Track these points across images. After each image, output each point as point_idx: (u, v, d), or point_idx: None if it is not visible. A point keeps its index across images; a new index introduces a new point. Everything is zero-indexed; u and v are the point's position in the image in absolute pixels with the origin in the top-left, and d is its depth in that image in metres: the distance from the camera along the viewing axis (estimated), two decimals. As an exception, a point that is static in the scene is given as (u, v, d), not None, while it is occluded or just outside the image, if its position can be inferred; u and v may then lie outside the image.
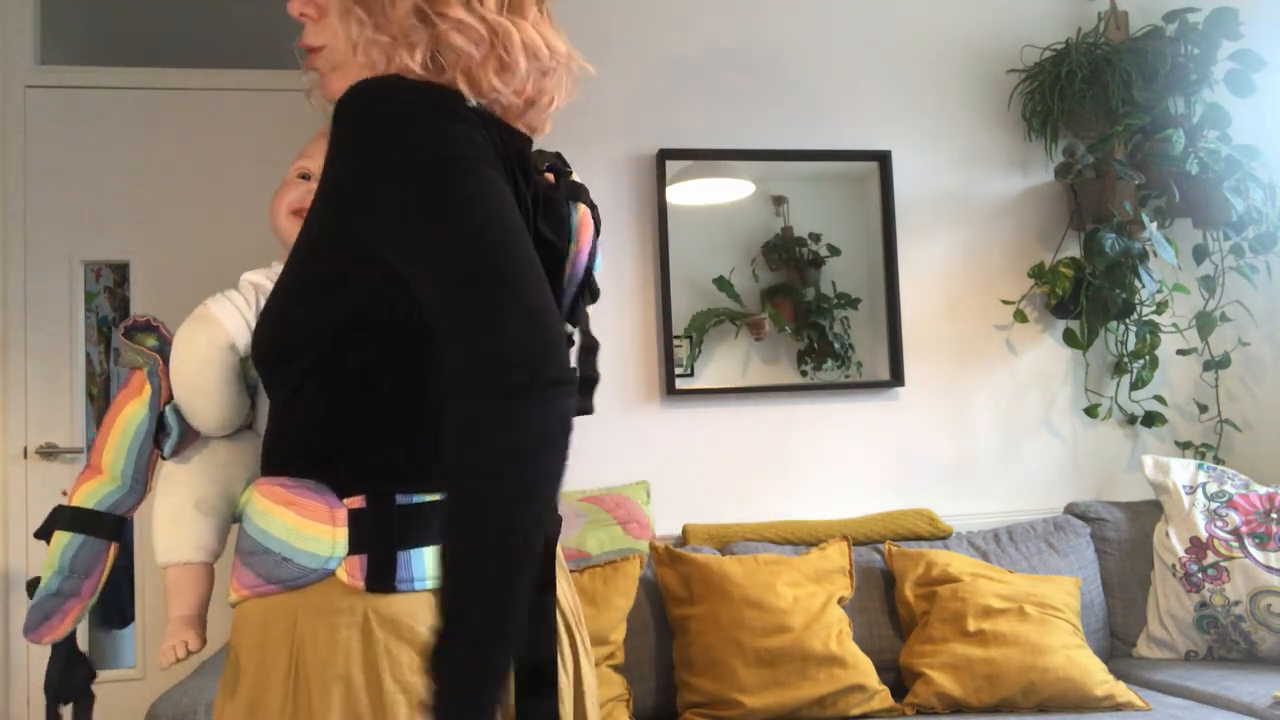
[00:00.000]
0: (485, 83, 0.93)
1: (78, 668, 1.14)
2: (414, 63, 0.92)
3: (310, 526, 0.91)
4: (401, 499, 0.91)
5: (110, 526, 1.11)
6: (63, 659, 1.12)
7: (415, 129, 0.85)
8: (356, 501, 0.91)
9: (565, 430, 0.80)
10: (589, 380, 1.05)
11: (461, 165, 0.84)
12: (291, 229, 1.13)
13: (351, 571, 0.90)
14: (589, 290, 1.07)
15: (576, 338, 1.07)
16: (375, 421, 0.91)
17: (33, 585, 1.12)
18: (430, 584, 0.91)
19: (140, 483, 1.13)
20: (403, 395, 0.91)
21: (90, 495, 1.11)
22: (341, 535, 0.90)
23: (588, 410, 1.05)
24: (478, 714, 0.79)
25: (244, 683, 0.92)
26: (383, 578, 0.90)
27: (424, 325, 0.86)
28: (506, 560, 0.79)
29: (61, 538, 1.10)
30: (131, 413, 1.11)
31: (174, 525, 1.08)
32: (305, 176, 1.15)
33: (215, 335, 1.05)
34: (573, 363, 0.81)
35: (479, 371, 0.77)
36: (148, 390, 1.11)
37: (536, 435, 0.78)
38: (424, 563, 0.91)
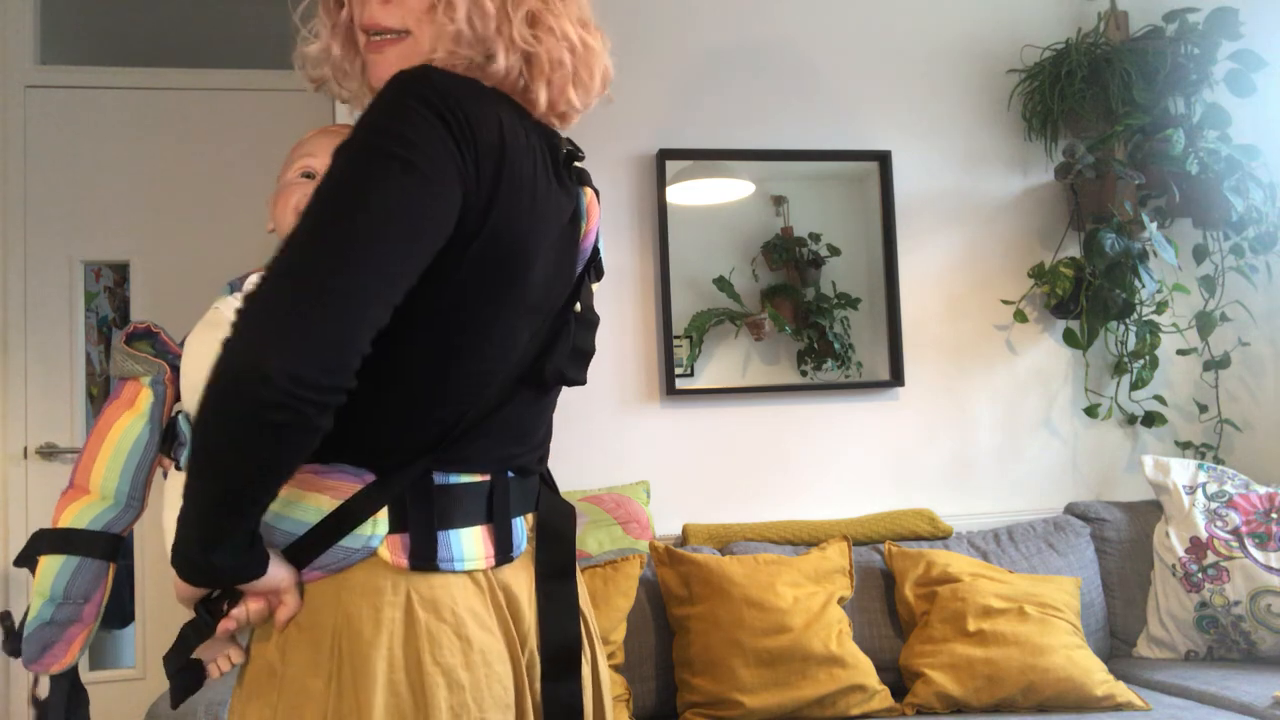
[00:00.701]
0: (562, 96, 0.99)
1: (79, 699, 1.06)
2: (495, 65, 0.95)
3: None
4: (439, 479, 0.94)
5: (106, 546, 1.04)
6: (65, 690, 1.05)
7: (376, 118, 0.87)
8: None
9: (264, 442, 0.80)
10: (583, 353, 1.08)
11: (381, 158, 0.85)
12: None
13: (394, 549, 0.91)
14: (594, 268, 1.10)
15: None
16: (408, 405, 0.93)
17: (6, 619, 1.05)
18: (468, 565, 0.94)
19: (138, 499, 1.06)
20: (435, 380, 0.93)
21: (80, 516, 1.04)
22: (382, 514, 0.91)
23: (580, 381, 1.09)
24: (191, 567, 0.87)
25: (284, 671, 0.92)
26: (426, 555, 0.92)
27: (452, 315, 0.90)
28: (204, 496, 0.84)
29: (52, 562, 1.02)
30: (126, 427, 1.05)
31: None
32: (309, 175, 1.10)
33: None
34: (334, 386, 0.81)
35: (224, 357, 0.79)
36: (145, 400, 1.05)
37: (230, 440, 0.80)
38: (461, 544, 0.94)
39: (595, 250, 1.10)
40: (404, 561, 0.91)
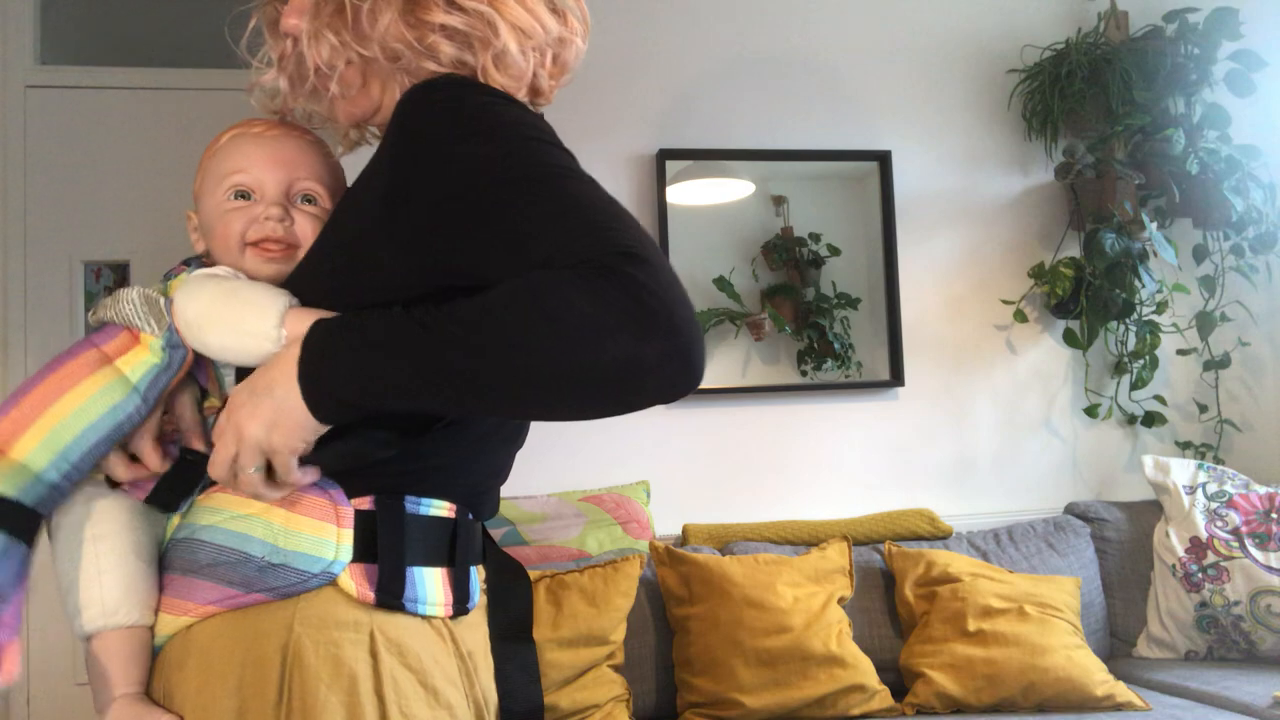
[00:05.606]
0: (495, 79, 0.86)
1: None
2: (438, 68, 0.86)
3: (308, 524, 0.81)
4: (410, 506, 0.85)
5: (28, 523, 0.81)
6: None
7: (493, 120, 0.79)
8: (364, 503, 0.83)
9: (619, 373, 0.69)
10: None
11: (550, 147, 0.79)
12: (255, 264, 0.94)
13: (359, 580, 0.81)
14: None
15: None
16: (385, 419, 0.81)
17: None
18: (428, 610, 0.84)
19: (79, 477, 0.84)
20: None
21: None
22: (347, 538, 0.81)
23: None
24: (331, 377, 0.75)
25: (223, 712, 0.79)
26: (393, 592, 0.82)
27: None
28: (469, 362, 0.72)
29: None
30: (103, 387, 0.82)
31: (116, 577, 0.83)
32: (244, 195, 0.95)
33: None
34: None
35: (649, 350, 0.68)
36: (142, 363, 0.85)
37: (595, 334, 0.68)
38: (428, 585, 0.84)
39: None
40: (370, 595, 0.81)
